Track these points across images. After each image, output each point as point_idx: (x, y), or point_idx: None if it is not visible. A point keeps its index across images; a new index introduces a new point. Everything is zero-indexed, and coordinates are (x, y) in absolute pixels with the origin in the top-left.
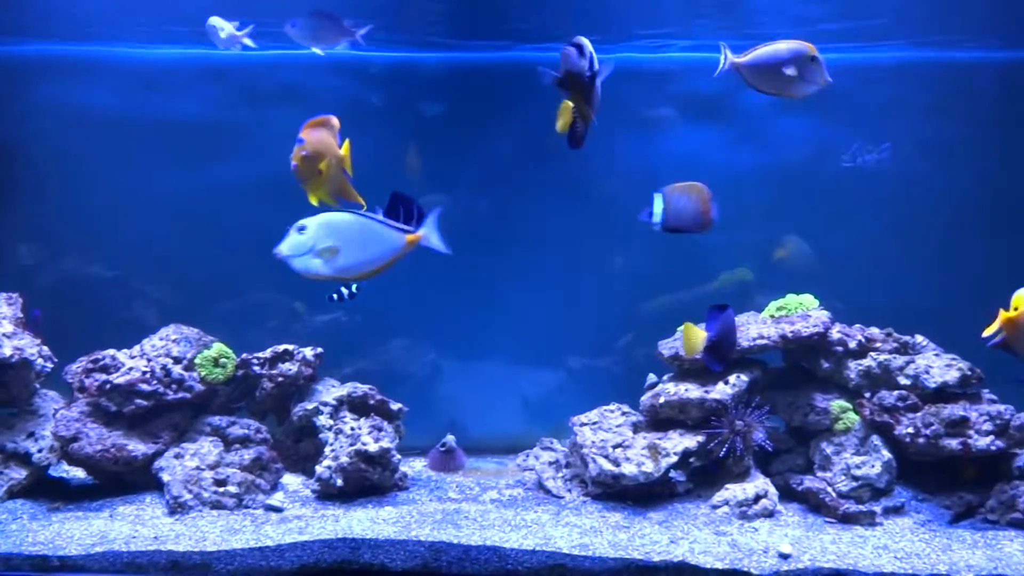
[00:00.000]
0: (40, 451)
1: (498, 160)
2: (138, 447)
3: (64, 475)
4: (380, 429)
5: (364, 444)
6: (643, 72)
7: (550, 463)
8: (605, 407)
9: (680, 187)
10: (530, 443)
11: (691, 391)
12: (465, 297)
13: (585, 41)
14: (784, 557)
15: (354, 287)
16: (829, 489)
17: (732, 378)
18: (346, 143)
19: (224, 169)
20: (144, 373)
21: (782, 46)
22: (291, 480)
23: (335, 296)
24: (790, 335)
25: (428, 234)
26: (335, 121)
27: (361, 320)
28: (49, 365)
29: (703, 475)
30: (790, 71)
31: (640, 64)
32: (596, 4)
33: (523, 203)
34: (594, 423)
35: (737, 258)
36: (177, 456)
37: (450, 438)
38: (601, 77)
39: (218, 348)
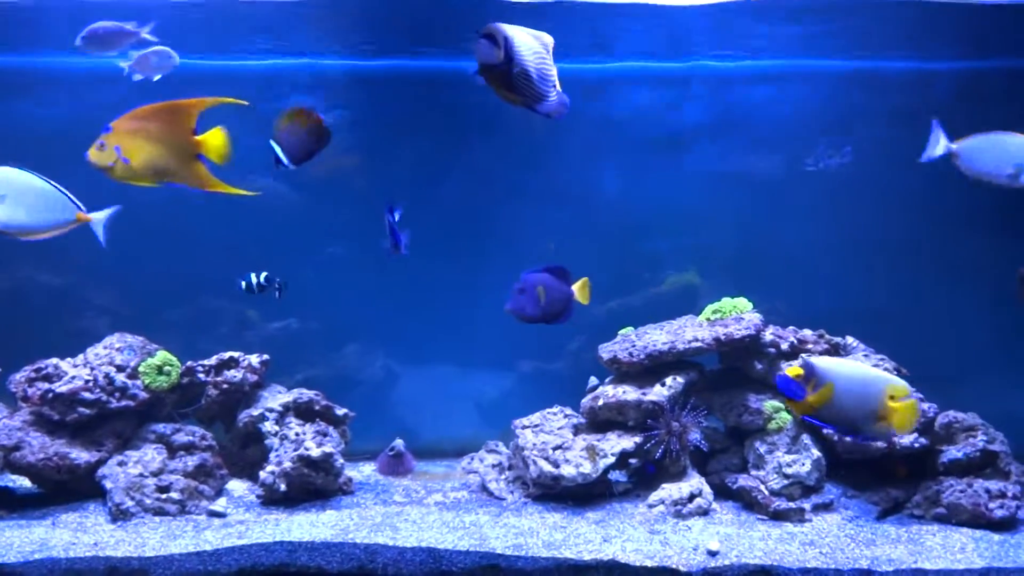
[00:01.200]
0: None
1: (448, 165)
2: (81, 455)
3: (10, 484)
4: (325, 434)
5: (307, 449)
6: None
7: (494, 465)
8: (548, 410)
9: (286, 119)
10: (476, 446)
11: (628, 393)
12: (417, 302)
13: (500, 29)
14: (712, 554)
15: (276, 282)
16: (762, 487)
17: (668, 380)
18: (217, 130)
19: None
20: (87, 382)
21: (1010, 142)
22: (237, 486)
23: (243, 284)
24: (723, 337)
25: (97, 220)
26: (186, 105)
27: (314, 327)
28: None
29: (643, 475)
30: (1012, 171)
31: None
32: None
33: (472, 208)
34: (536, 426)
35: (684, 262)
36: (120, 464)
37: (399, 442)
38: (528, 66)
39: (162, 356)
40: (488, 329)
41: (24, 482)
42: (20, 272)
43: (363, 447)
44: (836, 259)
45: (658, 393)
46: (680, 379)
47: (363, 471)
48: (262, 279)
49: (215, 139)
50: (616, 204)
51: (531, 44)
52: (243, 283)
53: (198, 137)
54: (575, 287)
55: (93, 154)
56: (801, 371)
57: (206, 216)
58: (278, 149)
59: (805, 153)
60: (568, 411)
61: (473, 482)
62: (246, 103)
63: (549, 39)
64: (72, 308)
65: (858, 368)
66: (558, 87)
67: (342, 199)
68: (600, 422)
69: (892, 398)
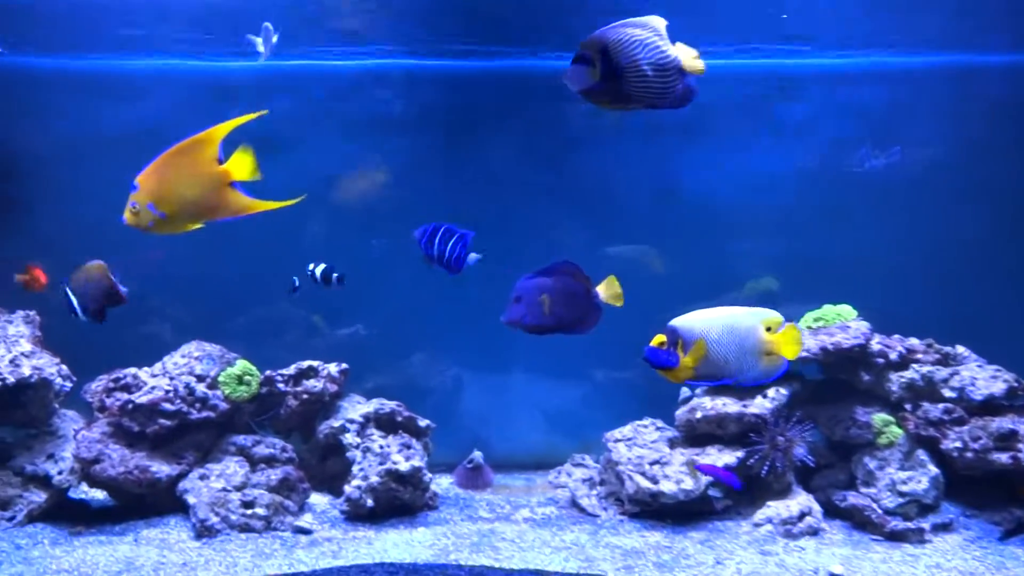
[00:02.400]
0: (60, 473)
1: (522, 168)
2: (162, 468)
3: (84, 497)
4: (409, 447)
5: (395, 463)
6: None
7: (584, 480)
8: (638, 422)
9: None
10: (556, 458)
11: (729, 405)
12: (486, 308)
13: (594, 40)
14: None
15: (335, 276)
16: (874, 505)
17: (771, 391)
18: (240, 152)
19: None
20: (167, 392)
21: None
22: (318, 500)
23: (296, 282)
24: (831, 347)
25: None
26: (203, 140)
27: (381, 333)
28: (68, 384)
29: (740, 491)
30: None
31: None
32: None
33: (545, 211)
34: (629, 439)
35: (762, 267)
36: (202, 477)
37: (477, 454)
38: (643, 66)
39: (242, 365)
40: (559, 336)
41: (97, 494)
42: None
43: (434, 459)
44: (939, 263)
45: (761, 405)
46: (783, 391)
47: (441, 484)
48: (318, 273)
49: (242, 161)
50: (694, 204)
51: (638, 38)
52: (296, 280)
53: (225, 166)
54: (600, 288)
55: (129, 218)
56: (664, 337)
57: (272, 221)
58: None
59: (869, 152)
60: (659, 423)
61: (561, 497)
62: (265, 111)
63: (660, 22)
64: (134, 315)
65: (720, 313)
66: (681, 72)
67: (407, 204)
68: (697, 436)
69: (769, 330)
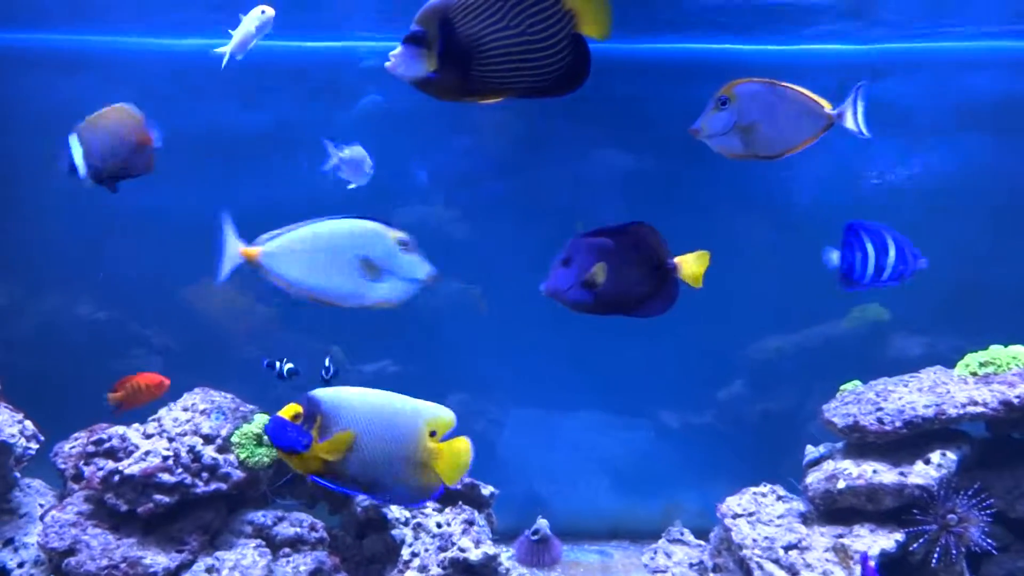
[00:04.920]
0: (22, 565)
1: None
2: (157, 560)
3: None
4: (472, 523)
5: (463, 550)
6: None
7: (691, 564)
8: (755, 489)
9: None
10: (633, 525)
11: (882, 473)
12: (532, 341)
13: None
14: None
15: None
16: None
17: (935, 456)
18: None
19: (243, 186)
20: (166, 459)
21: None
22: None
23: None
24: (1015, 401)
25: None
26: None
27: (414, 370)
28: (33, 446)
29: None
30: None
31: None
32: None
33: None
34: (750, 514)
35: (869, 292)
36: (210, 571)
37: (543, 523)
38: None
39: (262, 421)
40: (619, 371)
41: None
42: (52, 303)
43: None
44: None
45: (924, 474)
46: (952, 455)
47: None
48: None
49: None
50: (796, 216)
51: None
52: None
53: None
54: (683, 260)
55: None
56: (299, 408)
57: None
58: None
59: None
60: (780, 490)
61: None
62: None
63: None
64: (117, 346)
65: (379, 399)
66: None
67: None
68: (838, 510)
69: (433, 435)
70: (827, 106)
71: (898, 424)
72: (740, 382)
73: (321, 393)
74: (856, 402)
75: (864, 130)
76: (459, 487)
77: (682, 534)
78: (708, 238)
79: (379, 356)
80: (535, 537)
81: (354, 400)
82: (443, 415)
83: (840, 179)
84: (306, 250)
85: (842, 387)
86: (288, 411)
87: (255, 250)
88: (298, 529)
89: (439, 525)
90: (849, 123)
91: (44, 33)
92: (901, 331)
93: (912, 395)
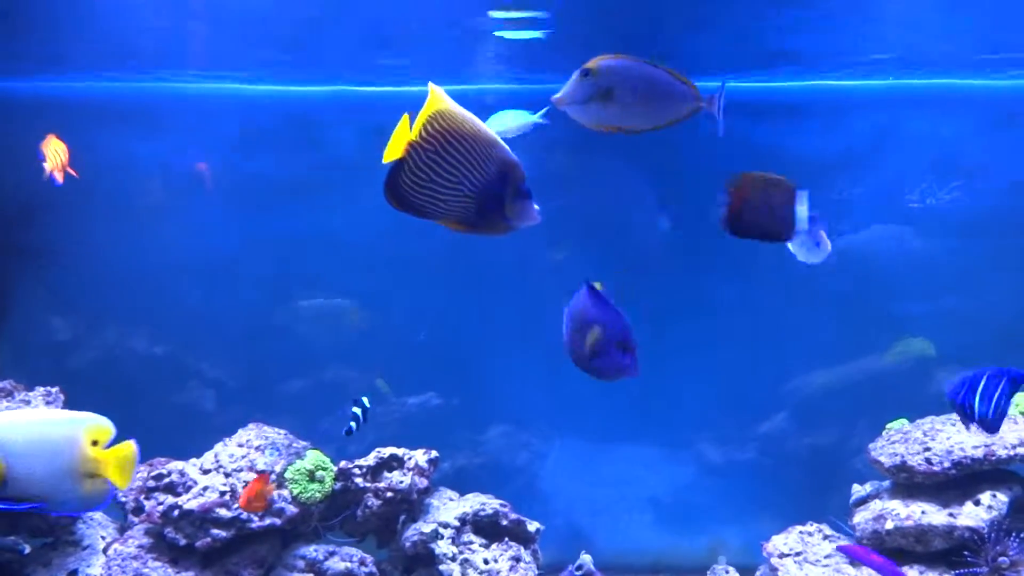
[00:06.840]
0: None
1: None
2: None
3: None
4: (518, 559)
5: None
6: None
7: None
8: (801, 528)
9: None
10: (676, 561)
11: (931, 515)
12: (576, 373)
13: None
14: None
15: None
16: None
17: (985, 498)
18: None
19: (290, 224)
20: (222, 494)
21: None
22: None
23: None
24: None
25: None
26: None
27: (457, 403)
28: None
29: None
30: None
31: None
32: None
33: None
34: (797, 553)
35: (912, 326)
36: None
37: (587, 559)
38: None
39: (313, 458)
40: (660, 406)
41: None
42: (108, 338)
43: None
44: None
45: (975, 516)
46: (1002, 496)
47: None
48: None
49: None
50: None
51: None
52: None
53: None
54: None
55: None
56: None
57: (325, 270)
58: None
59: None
60: (826, 529)
61: None
62: None
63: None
64: (173, 381)
65: (31, 417)
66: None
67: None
68: (887, 550)
69: (96, 443)
70: (695, 90)
71: (947, 465)
72: (782, 416)
73: None
74: (903, 441)
75: (720, 123)
76: (505, 524)
77: (727, 572)
78: (752, 271)
79: (423, 389)
80: (579, 573)
81: (4, 424)
82: (101, 423)
83: (886, 209)
84: None
85: (888, 425)
86: None
87: None
88: (348, 564)
89: (486, 561)
90: (714, 110)
91: (128, 81)
92: (947, 366)
93: (961, 435)
